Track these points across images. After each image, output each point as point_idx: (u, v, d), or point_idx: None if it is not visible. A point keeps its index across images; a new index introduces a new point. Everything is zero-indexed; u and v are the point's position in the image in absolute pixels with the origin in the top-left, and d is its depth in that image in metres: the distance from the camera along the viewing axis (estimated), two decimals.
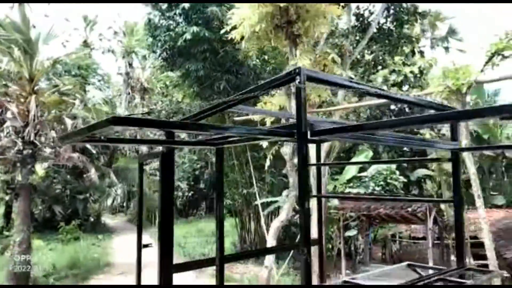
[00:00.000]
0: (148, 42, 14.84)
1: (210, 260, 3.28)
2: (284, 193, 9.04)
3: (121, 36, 25.63)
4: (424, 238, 14.82)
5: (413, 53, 19.22)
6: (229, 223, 21.56)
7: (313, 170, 8.36)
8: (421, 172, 19.77)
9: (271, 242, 7.51)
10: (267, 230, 14.08)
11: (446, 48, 24.94)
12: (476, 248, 14.94)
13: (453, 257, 13.01)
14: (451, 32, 24.29)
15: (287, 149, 7.48)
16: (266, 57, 13.01)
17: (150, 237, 21.70)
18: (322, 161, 9.07)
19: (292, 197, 7.40)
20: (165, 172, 3.45)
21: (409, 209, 11.03)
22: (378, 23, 11.63)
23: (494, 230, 14.72)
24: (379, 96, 3.08)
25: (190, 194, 25.04)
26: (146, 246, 4.19)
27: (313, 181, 8.07)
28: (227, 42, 13.85)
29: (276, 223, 7.84)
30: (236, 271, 13.16)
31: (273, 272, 8.75)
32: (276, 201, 14.46)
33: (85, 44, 21.54)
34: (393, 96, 3.19)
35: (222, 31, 9.01)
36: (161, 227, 3.44)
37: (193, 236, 19.08)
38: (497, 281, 7.21)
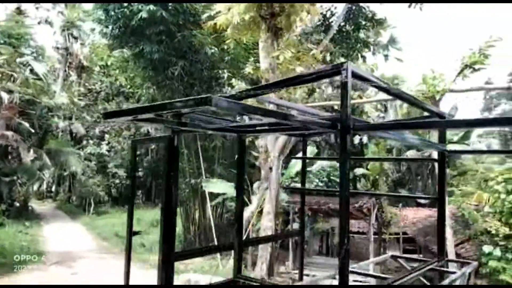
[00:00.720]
0: (98, 16, 13.75)
1: (227, 245, 3.16)
2: (255, 184, 9.06)
3: (62, 7, 23.45)
4: (358, 232, 15.82)
5: (356, 57, 20.11)
6: None
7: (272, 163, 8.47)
8: (359, 171, 21.04)
9: None
10: (214, 220, 14.02)
11: (386, 56, 26.64)
12: (404, 243, 16.37)
13: (388, 251, 14.06)
14: (392, 41, 25.97)
15: (262, 142, 7.48)
16: (225, 46, 12.77)
17: (82, 225, 20.48)
18: (277, 155, 9.24)
19: (263, 189, 7.45)
20: (171, 158, 3.27)
21: (356, 205, 11.67)
22: (339, 25, 12.06)
23: (421, 227, 16.21)
24: (402, 98, 3.21)
25: (127, 182, 23.97)
26: (136, 233, 3.97)
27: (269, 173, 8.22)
28: (184, 27, 13.42)
29: (246, 213, 7.82)
30: (184, 262, 12.89)
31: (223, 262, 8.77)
32: (224, 193, 14.40)
33: (19, 11, 19.36)
34: (407, 97, 3.33)
35: (204, 15, 8.63)
36: (165, 213, 3.26)
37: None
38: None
